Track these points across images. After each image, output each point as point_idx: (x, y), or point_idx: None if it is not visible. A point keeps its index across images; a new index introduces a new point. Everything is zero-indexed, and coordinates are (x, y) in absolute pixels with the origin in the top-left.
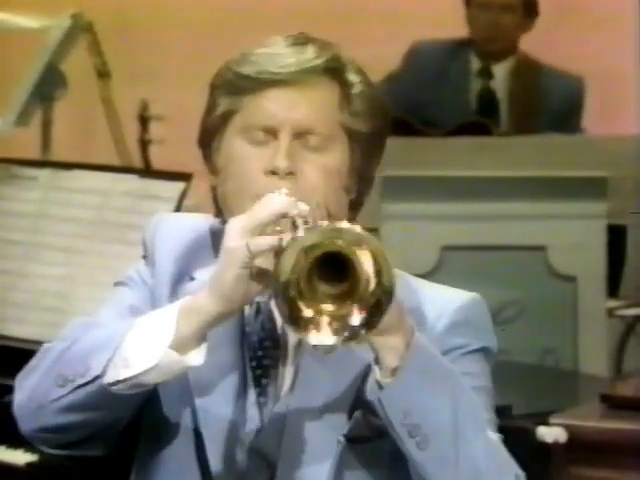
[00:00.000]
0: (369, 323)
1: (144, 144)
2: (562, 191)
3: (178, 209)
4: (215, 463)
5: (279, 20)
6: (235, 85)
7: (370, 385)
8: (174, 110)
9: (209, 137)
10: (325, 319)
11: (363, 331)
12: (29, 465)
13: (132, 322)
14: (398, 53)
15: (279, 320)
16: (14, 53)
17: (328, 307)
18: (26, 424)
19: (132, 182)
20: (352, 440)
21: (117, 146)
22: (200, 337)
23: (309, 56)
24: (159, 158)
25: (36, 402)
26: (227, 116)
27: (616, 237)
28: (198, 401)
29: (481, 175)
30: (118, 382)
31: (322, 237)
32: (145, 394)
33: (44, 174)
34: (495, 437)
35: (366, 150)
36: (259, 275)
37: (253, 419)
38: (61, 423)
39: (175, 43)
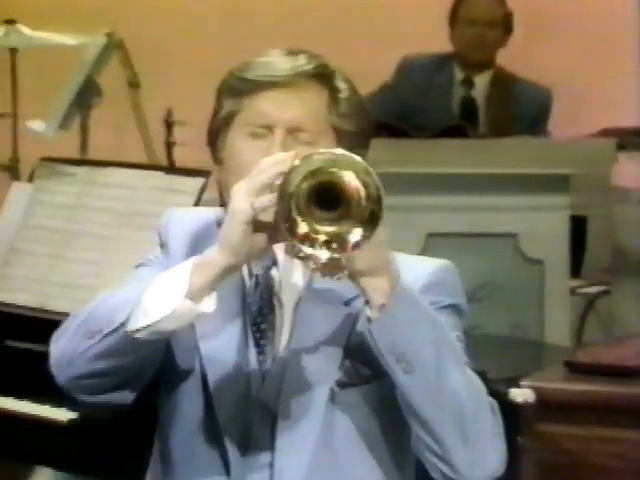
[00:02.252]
0: (367, 234)
1: (169, 145)
2: (531, 186)
3: (198, 202)
4: (222, 417)
5: (280, 37)
6: (237, 88)
7: (362, 321)
8: (194, 116)
9: (215, 136)
10: (322, 237)
11: (360, 236)
12: (70, 421)
13: (151, 282)
14: (384, 68)
15: (276, 288)
16: (56, 67)
17: (325, 228)
18: (61, 376)
19: (158, 178)
20: (342, 386)
21: (145, 147)
22: (211, 287)
23: (300, 62)
24: (182, 158)
25: (68, 355)
26: (230, 116)
27: (578, 226)
28: (207, 364)
29: (461, 172)
30: (139, 330)
31: (320, 163)
32: (164, 343)
33: (82, 171)
34: (471, 372)
35: (351, 147)
36: (262, 228)
37: (255, 375)
38: (92, 370)
39: (193, 58)
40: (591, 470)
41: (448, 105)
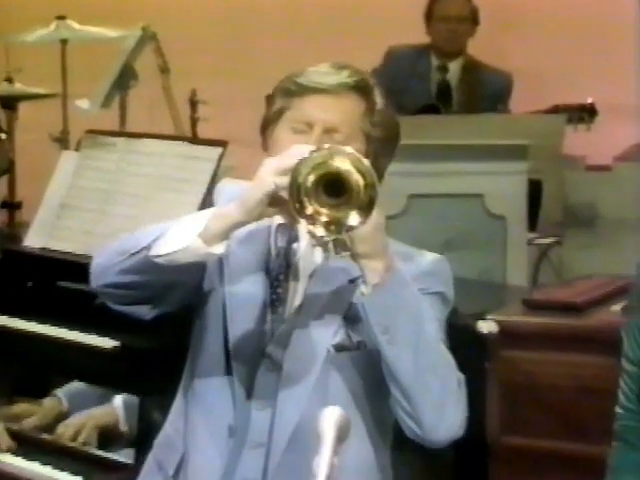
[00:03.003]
0: (363, 218)
1: (193, 121)
2: (495, 154)
3: (217, 168)
4: (236, 360)
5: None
6: (289, 90)
7: (357, 296)
8: (215, 96)
9: (267, 126)
10: (323, 219)
11: (358, 222)
12: (114, 348)
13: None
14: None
15: (295, 260)
16: (99, 55)
17: (327, 211)
18: (96, 281)
19: (184, 147)
20: (337, 350)
21: (174, 122)
22: (222, 235)
23: (343, 75)
24: (203, 131)
25: (102, 266)
26: (280, 112)
27: (534, 188)
28: (229, 314)
29: (437, 143)
30: (158, 256)
31: (324, 154)
32: (183, 276)
33: (120, 141)
34: (445, 348)
35: (379, 152)
36: (276, 202)
37: (267, 331)
38: (117, 282)
39: (214, 48)
40: (545, 388)
41: (427, 88)
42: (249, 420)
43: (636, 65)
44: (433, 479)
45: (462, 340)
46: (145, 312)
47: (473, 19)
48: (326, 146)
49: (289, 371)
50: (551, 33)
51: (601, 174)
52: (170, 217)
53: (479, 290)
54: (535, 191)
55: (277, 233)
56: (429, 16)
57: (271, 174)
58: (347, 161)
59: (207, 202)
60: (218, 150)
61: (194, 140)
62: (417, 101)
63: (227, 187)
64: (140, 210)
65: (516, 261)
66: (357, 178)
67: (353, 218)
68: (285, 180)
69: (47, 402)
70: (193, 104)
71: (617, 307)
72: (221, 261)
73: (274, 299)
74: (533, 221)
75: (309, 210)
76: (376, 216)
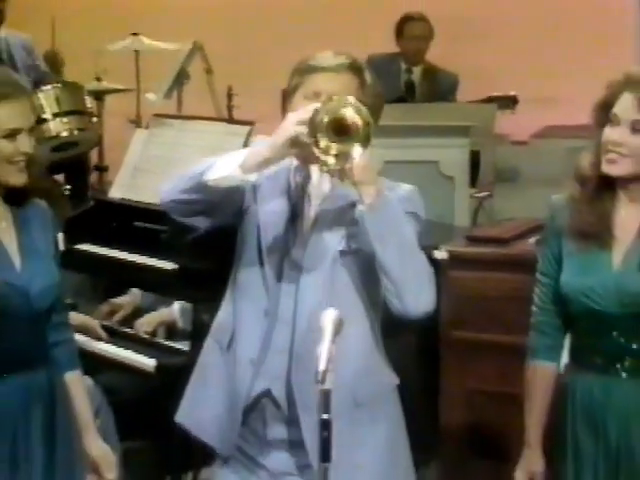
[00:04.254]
0: (363, 148)
1: (229, 108)
2: (446, 132)
3: (246, 140)
4: (268, 262)
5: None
6: (302, 69)
7: (357, 212)
8: (245, 91)
9: (287, 97)
10: (333, 151)
11: (359, 153)
12: (174, 269)
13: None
14: None
15: (308, 189)
16: (162, 61)
17: (336, 145)
18: (165, 198)
19: (223, 126)
20: (341, 253)
21: (215, 108)
22: (255, 168)
23: (341, 58)
24: (237, 115)
25: (170, 187)
26: (297, 85)
27: (474, 156)
28: (262, 227)
29: (405, 124)
30: (209, 180)
31: (332, 106)
32: (227, 197)
33: (177, 122)
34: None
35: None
36: (296, 144)
37: (291, 239)
38: (181, 198)
39: (244, 57)
40: (481, 297)
41: (397, 85)
42: (278, 304)
43: (550, 65)
44: (402, 359)
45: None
46: (200, 222)
47: (430, 36)
48: (335, 97)
49: (307, 268)
50: (491, 40)
51: (521, 147)
52: None
53: (435, 229)
54: (474, 159)
55: (295, 172)
56: (399, 34)
57: (292, 124)
58: (350, 108)
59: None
60: (247, 128)
61: (230, 120)
62: (390, 94)
63: (259, 140)
64: None
65: (461, 209)
66: (357, 120)
67: (356, 150)
68: (302, 128)
69: (127, 298)
70: (229, 96)
71: (532, 240)
72: (255, 189)
73: (294, 216)
74: (473, 180)
75: (322, 144)
76: (369, 153)
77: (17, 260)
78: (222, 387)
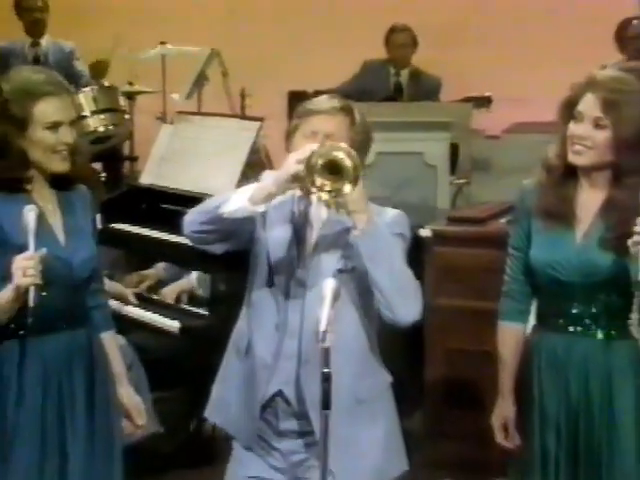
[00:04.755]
0: (352, 187)
1: (243, 107)
2: (430, 127)
3: (257, 135)
4: (277, 280)
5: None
6: (301, 112)
7: (352, 237)
8: (257, 91)
9: (288, 136)
10: (327, 188)
11: (350, 191)
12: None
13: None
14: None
15: (310, 217)
16: (181, 65)
17: (329, 184)
18: (186, 230)
19: (236, 122)
20: (339, 271)
21: (230, 108)
22: (263, 200)
23: (334, 102)
24: (249, 113)
25: (190, 220)
26: (296, 127)
27: (454, 148)
28: (271, 253)
29: (393, 120)
30: (224, 212)
31: (326, 150)
32: (240, 227)
33: (197, 118)
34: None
35: (358, 149)
36: (296, 180)
37: (294, 261)
38: (200, 229)
39: (255, 61)
40: (460, 269)
41: (387, 86)
42: (287, 319)
43: (521, 70)
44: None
45: (412, 241)
46: (217, 249)
47: (414, 44)
48: (328, 143)
49: (310, 285)
50: (470, 47)
51: (495, 140)
52: (226, 165)
53: (420, 211)
54: (454, 150)
55: (298, 201)
56: (387, 43)
57: (293, 163)
58: (341, 152)
59: (249, 155)
60: (257, 124)
61: (242, 117)
62: (381, 94)
63: (267, 174)
64: (210, 163)
65: (442, 193)
66: (348, 163)
67: (346, 188)
68: (302, 166)
69: (152, 271)
70: (242, 96)
71: (504, 220)
72: (264, 218)
73: (298, 241)
74: (453, 169)
75: (318, 183)
76: (361, 187)
77: (62, 237)
78: (242, 389)
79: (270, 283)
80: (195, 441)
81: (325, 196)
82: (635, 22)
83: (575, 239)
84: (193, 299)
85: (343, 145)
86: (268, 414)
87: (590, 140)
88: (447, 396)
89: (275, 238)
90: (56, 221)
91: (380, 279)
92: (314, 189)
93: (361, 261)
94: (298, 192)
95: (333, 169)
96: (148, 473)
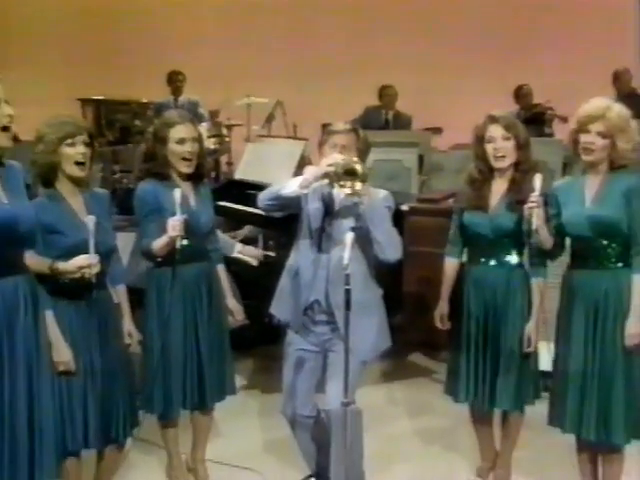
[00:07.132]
0: (363, 183)
1: (295, 133)
2: (405, 145)
3: (303, 151)
4: (314, 236)
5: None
6: (328, 131)
7: (360, 208)
8: (303, 125)
9: (320, 146)
10: (348, 184)
11: (361, 187)
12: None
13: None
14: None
15: (332, 199)
16: (259, 108)
17: (348, 182)
18: (260, 204)
19: (292, 141)
20: (352, 229)
21: (287, 133)
22: (306, 187)
23: (347, 125)
24: (299, 135)
25: (262, 198)
26: (325, 140)
27: (420, 158)
28: (310, 217)
29: (384, 140)
30: (283, 194)
31: (346, 162)
32: (296, 203)
33: (268, 139)
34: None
35: (362, 155)
36: (325, 176)
37: (326, 221)
38: (268, 203)
39: (303, 102)
40: (424, 228)
41: (380, 121)
42: (320, 257)
43: (461, 112)
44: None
45: (395, 214)
46: (279, 214)
47: (396, 96)
48: (346, 157)
49: (336, 236)
50: (433, 99)
51: (444, 154)
52: (285, 166)
53: (401, 195)
54: (421, 159)
55: (326, 187)
56: (379, 96)
57: (325, 165)
58: (355, 163)
59: (297, 167)
60: (303, 142)
61: (295, 138)
62: (377, 126)
63: (308, 168)
64: (275, 163)
65: (414, 184)
66: (359, 169)
67: (358, 185)
68: (331, 168)
69: (242, 231)
70: (294, 127)
71: (451, 200)
72: (306, 197)
73: (327, 211)
74: (420, 170)
75: (341, 182)
76: (367, 184)
77: (195, 207)
78: (292, 296)
79: (310, 236)
80: (266, 328)
81: (346, 190)
82: (525, 87)
83: (489, 211)
84: (265, 246)
85: (355, 159)
86: (308, 311)
87: (503, 150)
88: (417, 304)
89: (312, 209)
90: (191, 199)
91: (377, 234)
92: (338, 187)
93: (366, 223)
94: (326, 181)
95: (350, 174)
96: (240, 347)
